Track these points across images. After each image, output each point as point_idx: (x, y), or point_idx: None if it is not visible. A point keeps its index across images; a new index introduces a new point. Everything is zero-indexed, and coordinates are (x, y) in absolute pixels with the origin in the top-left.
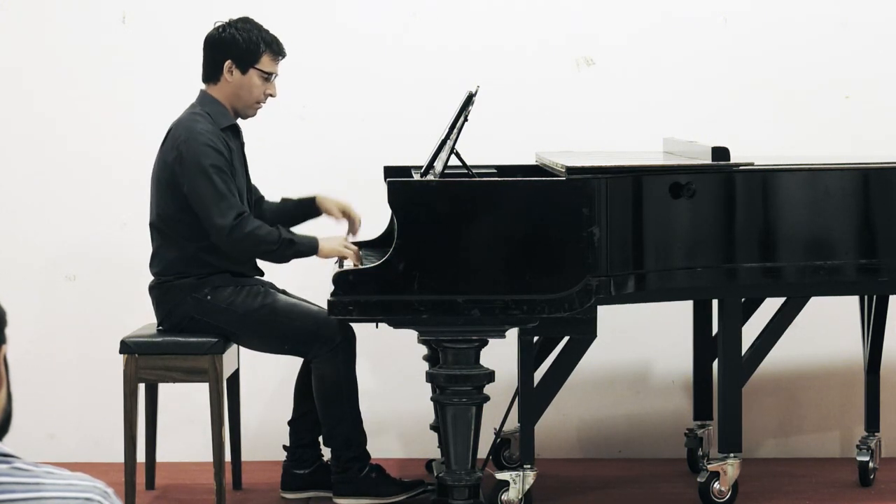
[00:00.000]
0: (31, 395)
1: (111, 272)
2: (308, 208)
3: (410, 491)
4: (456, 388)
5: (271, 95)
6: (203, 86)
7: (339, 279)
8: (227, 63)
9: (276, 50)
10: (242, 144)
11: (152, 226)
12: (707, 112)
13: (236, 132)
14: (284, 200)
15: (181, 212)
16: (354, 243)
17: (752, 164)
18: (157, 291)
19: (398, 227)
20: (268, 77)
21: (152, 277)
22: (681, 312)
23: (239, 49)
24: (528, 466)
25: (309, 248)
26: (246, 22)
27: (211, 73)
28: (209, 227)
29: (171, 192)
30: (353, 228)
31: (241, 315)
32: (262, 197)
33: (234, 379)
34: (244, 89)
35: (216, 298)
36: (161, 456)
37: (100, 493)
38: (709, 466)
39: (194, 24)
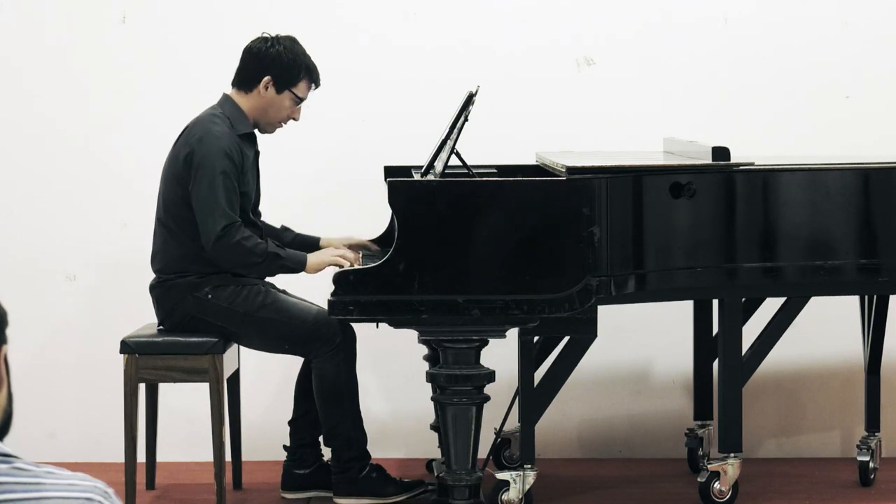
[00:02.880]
0: (31, 395)
1: (111, 272)
2: (309, 247)
3: (411, 491)
4: (456, 388)
5: (294, 119)
6: (229, 90)
7: (340, 279)
8: (266, 79)
9: (314, 79)
10: (257, 153)
11: (159, 221)
12: (707, 112)
13: (252, 140)
14: (285, 229)
15: (187, 208)
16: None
17: (752, 164)
18: (158, 291)
19: (398, 227)
20: (298, 102)
21: (153, 277)
22: (681, 312)
23: (282, 68)
24: (529, 466)
25: (296, 263)
26: (293, 43)
27: (245, 81)
28: (200, 230)
29: (179, 187)
30: (367, 250)
31: (242, 314)
32: (261, 217)
33: (235, 379)
34: (273, 107)
35: (217, 297)
36: (161, 456)
37: (100, 493)
38: (709, 466)
39: (194, 24)
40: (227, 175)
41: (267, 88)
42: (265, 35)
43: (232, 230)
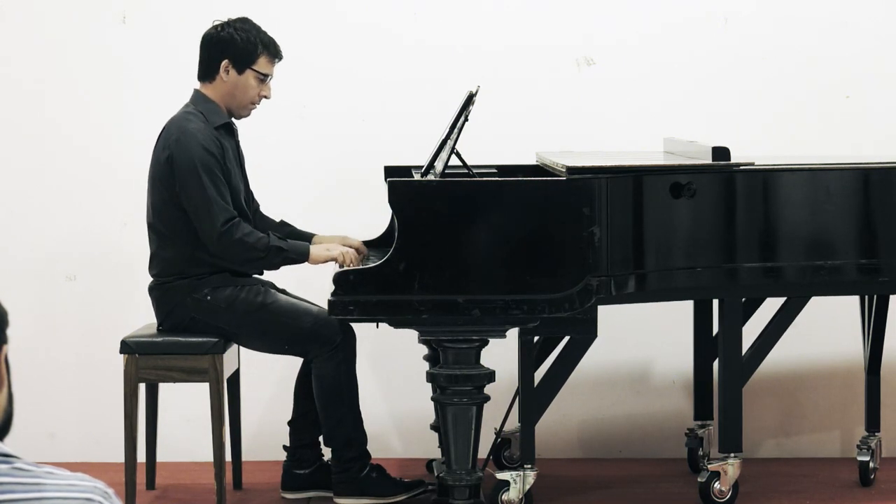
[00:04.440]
0: (32, 395)
1: (111, 272)
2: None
3: (411, 491)
4: (456, 388)
5: (265, 97)
6: (198, 84)
7: (340, 279)
8: (224, 63)
9: (274, 52)
10: (237, 143)
11: (150, 226)
12: (707, 112)
13: (230, 131)
14: (283, 223)
15: (177, 210)
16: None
17: (752, 164)
18: (157, 292)
19: (398, 227)
20: (263, 78)
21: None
22: (681, 312)
23: (236, 49)
24: (529, 466)
25: (299, 255)
26: (244, 22)
27: (206, 71)
28: (199, 230)
29: (165, 190)
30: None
31: (242, 315)
32: (259, 209)
33: (235, 379)
34: (239, 89)
35: (216, 298)
36: (161, 456)
37: (100, 493)
38: (709, 466)
39: (194, 24)
40: (211, 170)
41: (228, 72)
42: (216, 22)
43: (233, 227)
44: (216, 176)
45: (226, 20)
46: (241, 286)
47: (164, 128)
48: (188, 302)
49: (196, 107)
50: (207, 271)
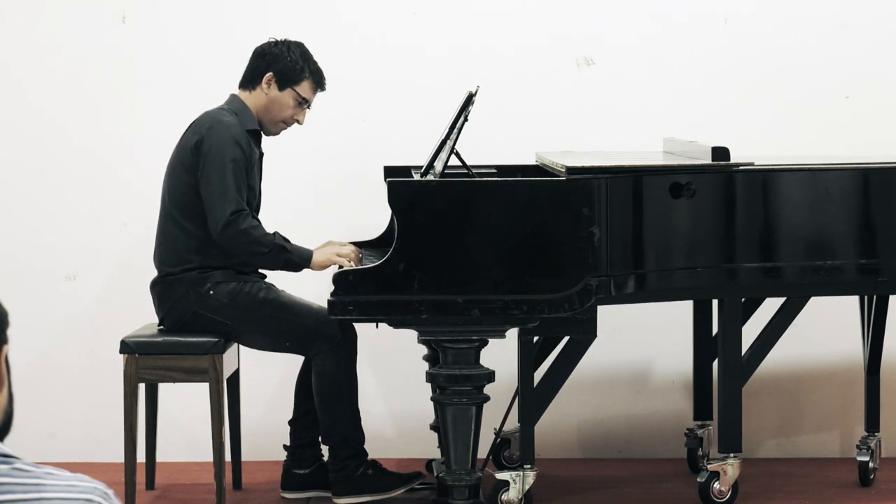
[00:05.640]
0: (32, 394)
1: (111, 272)
2: None
3: (409, 483)
4: (456, 388)
5: (298, 122)
6: (237, 91)
7: (339, 279)
8: (268, 75)
9: (318, 81)
10: (262, 154)
11: (162, 214)
12: (707, 112)
13: (257, 139)
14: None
15: (195, 197)
16: (355, 243)
17: (752, 164)
18: (160, 287)
19: (398, 227)
20: (301, 102)
21: (153, 275)
22: (681, 312)
23: (284, 66)
24: (528, 466)
25: (301, 258)
26: (299, 46)
27: (249, 80)
28: (208, 216)
29: (188, 175)
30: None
31: (243, 311)
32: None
33: (234, 379)
34: (275, 105)
35: (218, 293)
36: (161, 456)
37: (100, 493)
38: (709, 466)
39: (194, 24)
40: (237, 163)
41: (269, 85)
42: (272, 38)
43: (240, 218)
44: (239, 169)
45: (284, 39)
46: (243, 282)
47: (195, 120)
48: (190, 296)
49: (230, 107)
50: (212, 263)
